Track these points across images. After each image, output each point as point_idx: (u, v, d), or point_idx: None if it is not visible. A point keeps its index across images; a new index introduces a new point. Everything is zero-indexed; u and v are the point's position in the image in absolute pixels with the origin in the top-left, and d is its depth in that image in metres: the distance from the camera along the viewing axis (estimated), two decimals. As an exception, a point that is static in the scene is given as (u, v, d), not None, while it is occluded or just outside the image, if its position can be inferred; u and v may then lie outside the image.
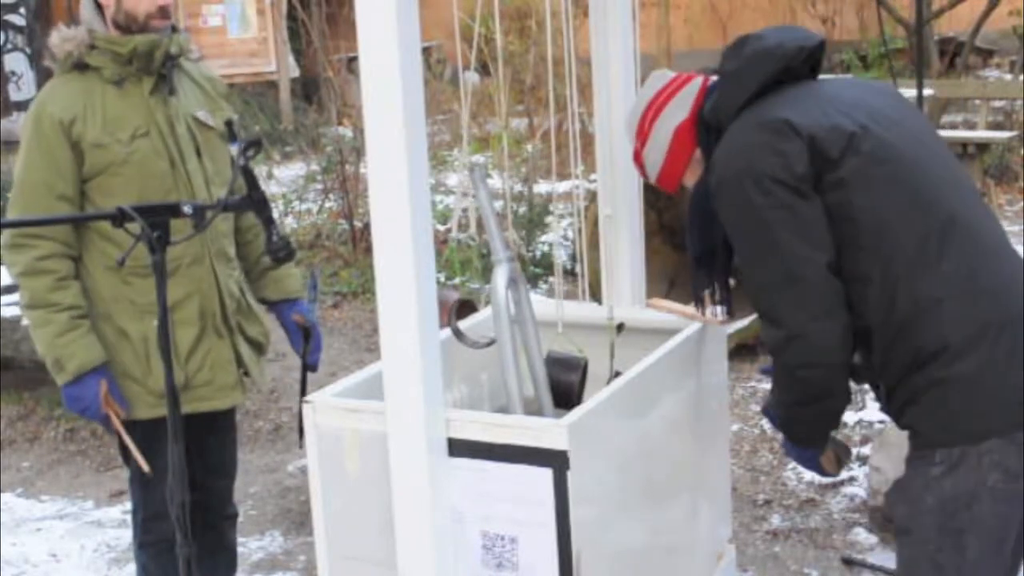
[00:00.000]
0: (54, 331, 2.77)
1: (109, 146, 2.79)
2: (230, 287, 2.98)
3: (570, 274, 6.29)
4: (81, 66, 2.82)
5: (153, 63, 2.83)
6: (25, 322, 5.44)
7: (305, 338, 3.10)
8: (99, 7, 2.85)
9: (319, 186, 8.73)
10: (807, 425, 2.31)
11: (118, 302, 2.85)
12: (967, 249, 2.14)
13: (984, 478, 2.12)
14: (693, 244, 2.49)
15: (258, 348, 3.09)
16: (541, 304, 2.78)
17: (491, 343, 2.65)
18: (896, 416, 2.25)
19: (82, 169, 2.80)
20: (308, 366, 3.11)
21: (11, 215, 2.80)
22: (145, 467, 2.85)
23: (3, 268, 6.12)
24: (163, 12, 2.82)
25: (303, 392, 3.10)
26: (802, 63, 2.31)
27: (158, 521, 2.90)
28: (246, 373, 3.04)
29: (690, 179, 2.44)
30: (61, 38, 2.82)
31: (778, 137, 2.14)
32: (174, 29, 2.91)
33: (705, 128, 2.38)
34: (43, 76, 16.28)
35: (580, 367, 2.71)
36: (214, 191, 2.87)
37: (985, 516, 2.14)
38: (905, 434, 2.30)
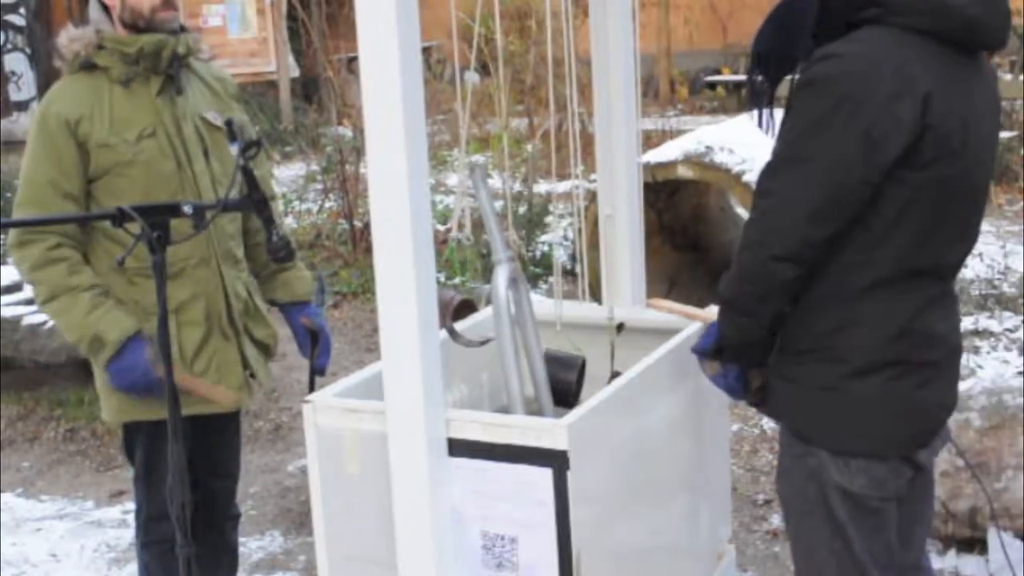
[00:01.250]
0: (82, 311, 2.74)
1: (115, 146, 2.78)
2: (237, 289, 2.97)
3: (570, 274, 6.30)
4: (89, 66, 2.82)
5: (160, 63, 2.82)
6: (25, 322, 5.47)
7: (313, 341, 3.09)
8: (105, 7, 2.85)
9: (319, 186, 8.73)
10: (733, 330, 2.27)
11: (123, 303, 2.83)
12: (922, 296, 2.15)
13: (852, 481, 2.18)
14: (763, 38, 2.27)
15: (265, 350, 3.08)
16: (540, 304, 2.78)
17: (485, 342, 2.65)
18: (779, 377, 2.26)
19: (88, 169, 2.79)
20: (316, 369, 3.10)
21: (17, 213, 2.79)
22: (226, 397, 2.87)
23: (4, 268, 6.13)
24: (168, 3, 2.81)
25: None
26: (975, 39, 2.13)
27: (161, 521, 2.89)
28: (252, 375, 3.02)
29: None
30: (69, 38, 2.82)
31: (907, 101, 2.00)
32: (183, 29, 2.90)
33: None
34: (43, 76, 16.28)
35: (577, 366, 2.71)
36: (221, 192, 2.85)
37: (861, 516, 2.20)
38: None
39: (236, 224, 3.01)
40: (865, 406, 2.16)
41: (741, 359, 2.33)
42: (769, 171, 2.13)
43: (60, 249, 2.76)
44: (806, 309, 2.18)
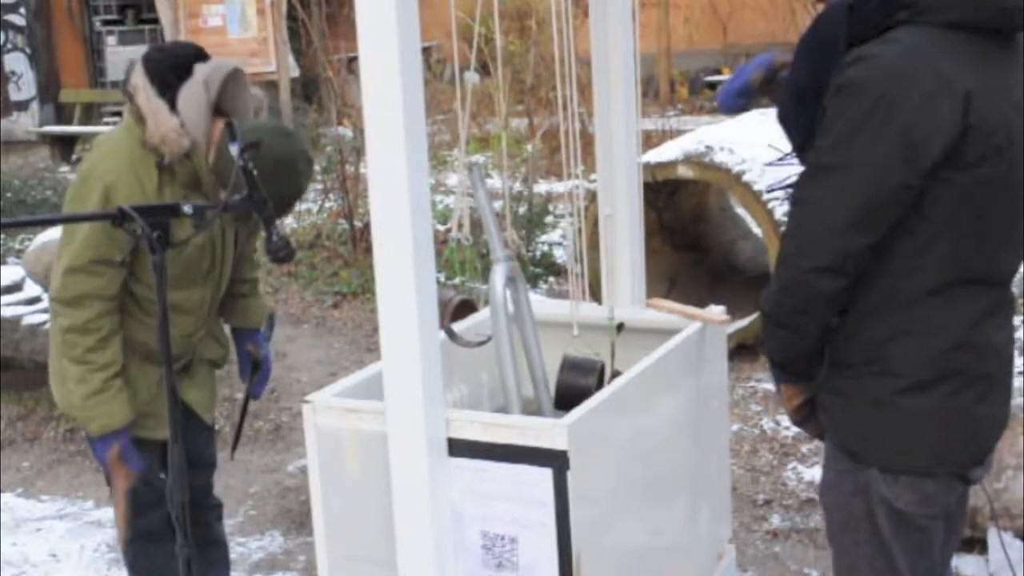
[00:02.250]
0: (86, 391, 2.81)
1: None
2: (208, 334, 3.09)
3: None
4: (161, 162, 2.77)
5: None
6: (25, 322, 5.48)
7: (254, 368, 3.21)
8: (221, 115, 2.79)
9: (319, 186, 8.73)
10: (775, 344, 2.22)
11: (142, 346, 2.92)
12: (978, 305, 2.08)
13: (899, 498, 2.12)
14: (799, 69, 2.23)
15: (214, 365, 3.18)
16: (553, 306, 2.78)
17: (484, 342, 2.65)
18: (828, 392, 2.20)
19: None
20: (251, 395, 3.25)
21: (68, 277, 2.77)
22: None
23: (4, 268, 6.13)
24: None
25: (242, 418, 3.30)
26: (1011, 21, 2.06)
27: (139, 517, 2.95)
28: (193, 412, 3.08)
29: None
30: (162, 137, 2.72)
31: (946, 100, 1.95)
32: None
33: None
34: (43, 76, 16.31)
35: (596, 370, 2.70)
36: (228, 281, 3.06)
37: (906, 533, 2.15)
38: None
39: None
40: (919, 422, 2.08)
41: (786, 374, 2.24)
42: (805, 180, 2.07)
43: (98, 320, 2.79)
44: (855, 320, 2.11)
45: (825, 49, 2.11)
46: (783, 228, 6.12)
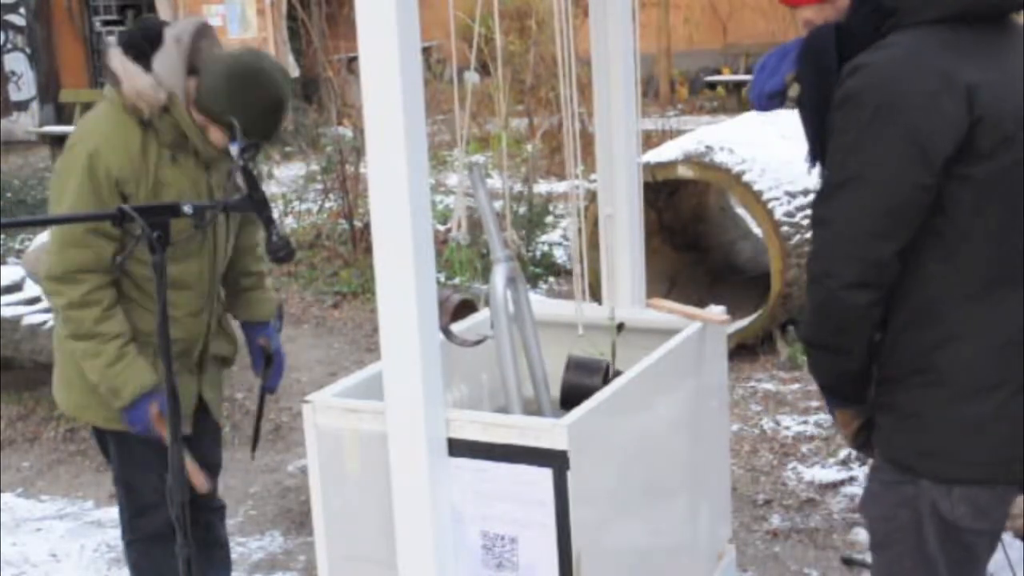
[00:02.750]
0: (105, 361, 2.79)
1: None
2: (212, 324, 3.04)
3: (570, 274, 6.29)
4: (144, 122, 2.79)
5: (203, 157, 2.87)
6: (25, 322, 5.47)
7: (267, 362, 3.16)
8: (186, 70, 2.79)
9: (319, 186, 8.73)
10: (821, 368, 2.19)
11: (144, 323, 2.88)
12: (1020, 305, 2.04)
13: (952, 510, 2.09)
14: (807, 90, 2.21)
15: (224, 362, 3.14)
16: (553, 306, 2.78)
17: (480, 341, 2.65)
18: (878, 409, 2.18)
19: None
20: (267, 389, 3.19)
21: (60, 253, 2.77)
22: (204, 487, 2.91)
23: (4, 268, 6.13)
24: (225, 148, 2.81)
25: (260, 414, 3.24)
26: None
27: (143, 517, 2.95)
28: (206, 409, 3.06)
29: (817, 14, 2.18)
30: (137, 92, 2.75)
31: (949, 96, 1.93)
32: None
33: None
34: (43, 76, 16.31)
35: (601, 370, 2.70)
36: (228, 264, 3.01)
37: (952, 548, 2.12)
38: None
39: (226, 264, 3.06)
40: (976, 430, 2.05)
41: (838, 399, 2.22)
42: (821, 199, 2.06)
43: (96, 293, 2.78)
44: (897, 333, 2.08)
45: (815, 70, 2.12)
46: (783, 228, 6.15)
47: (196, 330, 2.98)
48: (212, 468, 3.16)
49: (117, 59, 2.79)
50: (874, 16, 2.05)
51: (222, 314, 3.12)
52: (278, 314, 3.19)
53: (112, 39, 3.00)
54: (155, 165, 2.80)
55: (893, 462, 2.15)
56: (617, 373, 2.67)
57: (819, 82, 2.12)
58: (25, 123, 15.64)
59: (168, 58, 2.77)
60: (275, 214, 2.90)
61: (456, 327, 2.73)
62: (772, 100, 2.37)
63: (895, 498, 2.14)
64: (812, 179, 6.39)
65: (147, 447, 2.88)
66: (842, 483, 4.29)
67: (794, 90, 2.26)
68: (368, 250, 6.40)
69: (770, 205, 5.49)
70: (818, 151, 2.18)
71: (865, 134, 1.97)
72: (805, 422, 4.93)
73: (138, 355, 2.82)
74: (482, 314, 2.92)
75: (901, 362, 2.10)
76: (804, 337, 2.17)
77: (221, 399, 3.17)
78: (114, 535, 4.30)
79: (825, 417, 4.95)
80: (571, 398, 2.63)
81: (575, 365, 2.70)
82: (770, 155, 5.81)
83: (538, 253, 7.43)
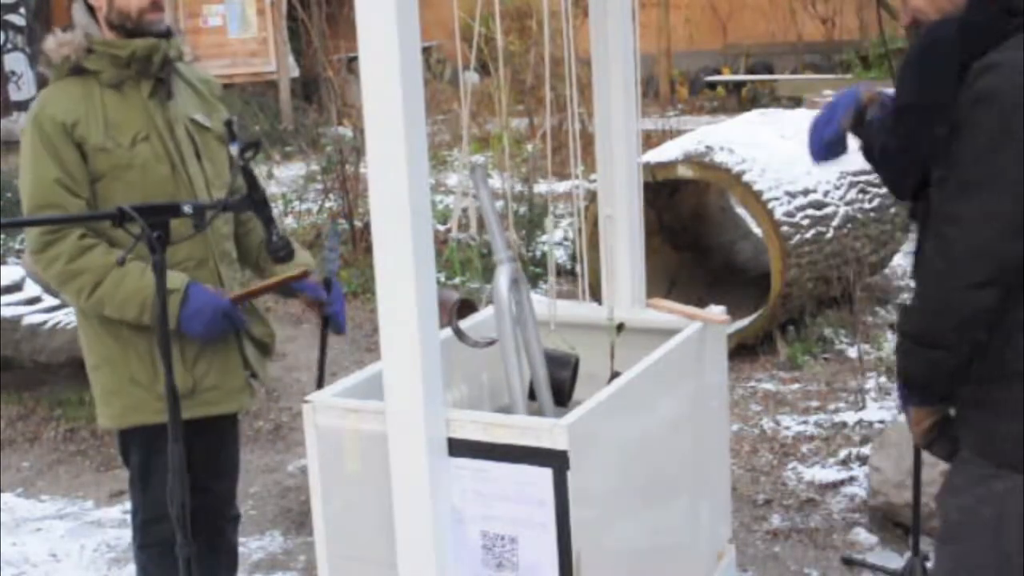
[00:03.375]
0: (136, 278, 2.72)
1: (112, 150, 2.77)
2: (234, 289, 2.96)
3: (570, 274, 6.30)
4: (79, 70, 2.80)
5: (152, 66, 2.81)
6: (25, 322, 5.47)
7: (327, 288, 2.97)
8: (91, 10, 2.83)
9: (319, 186, 8.73)
10: (921, 367, 2.14)
11: None
12: None
13: None
14: (906, 91, 2.14)
15: (263, 349, 3.07)
16: (536, 303, 2.78)
17: (492, 343, 2.65)
18: (975, 405, 2.15)
19: (88, 171, 2.78)
20: (331, 320, 3.02)
21: (27, 215, 2.77)
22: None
23: (3, 268, 6.13)
24: (156, 5, 2.80)
25: (323, 351, 3.14)
26: None
27: (158, 523, 2.89)
28: (253, 375, 3.01)
29: (929, 4, 2.14)
30: (57, 43, 2.80)
31: None
32: (170, 33, 2.88)
33: None
34: (41, 77, 16.33)
35: (572, 364, 2.71)
36: (214, 193, 2.86)
37: None
38: (905, 434, 2.28)
39: (230, 225, 3.00)
40: None
41: (921, 396, 2.20)
42: (952, 196, 2.02)
43: (87, 238, 2.75)
44: (1006, 331, 2.05)
45: (934, 67, 2.07)
46: (783, 228, 6.14)
47: (208, 282, 2.88)
48: (231, 470, 3.15)
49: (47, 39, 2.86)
50: (1000, 15, 2.02)
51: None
52: (333, 236, 3.05)
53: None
54: (101, 104, 2.78)
55: (990, 456, 2.12)
56: (617, 373, 2.67)
57: (930, 84, 2.07)
58: (25, 123, 15.63)
59: (76, 7, 2.83)
60: (275, 214, 2.86)
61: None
62: (832, 148, 2.35)
63: (981, 493, 2.12)
64: (812, 179, 6.45)
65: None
66: (842, 483, 4.29)
67: (871, 106, 2.21)
68: (368, 250, 6.40)
69: (770, 205, 5.49)
70: (919, 157, 2.12)
71: (1001, 134, 1.95)
72: (805, 422, 4.93)
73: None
74: (482, 314, 2.92)
75: (1005, 361, 2.07)
76: (912, 332, 2.11)
77: (267, 380, 3.09)
78: (114, 535, 4.30)
79: (825, 417, 4.95)
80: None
81: (545, 359, 2.70)
82: (770, 155, 5.81)
83: (538, 253, 7.43)
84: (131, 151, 2.78)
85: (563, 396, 2.66)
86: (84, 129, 2.76)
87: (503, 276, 2.53)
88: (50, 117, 2.77)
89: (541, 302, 2.89)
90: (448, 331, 2.64)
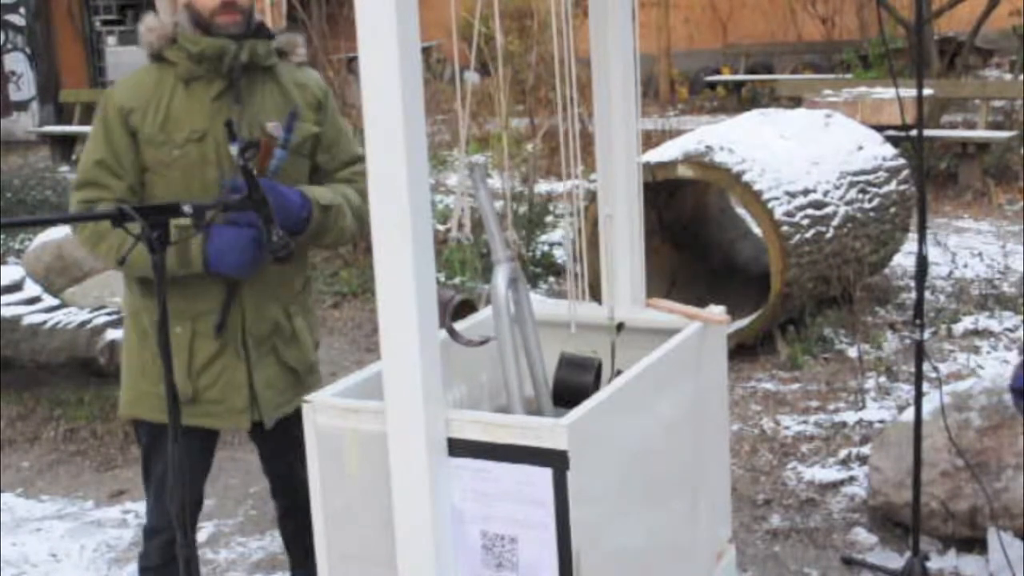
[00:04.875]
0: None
1: (162, 144, 2.75)
2: (264, 308, 2.85)
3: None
4: (159, 58, 2.78)
5: (222, 67, 2.76)
6: (25, 322, 5.47)
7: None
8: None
9: (319, 186, 8.72)
10: None
11: (148, 303, 2.80)
12: None
13: None
14: None
15: (292, 373, 2.92)
16: (549, 305, 2.78)
17: (485, 341, 2.65)
18: None
19: (139, 159, 2.76)
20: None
21: (74, 195, 2.78)
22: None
23: (3, 268, 6.12)
24: (226, 8, 2.75)
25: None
26: None
27: (156, 535, 2.89)
28: (254, 400, 2.87)
29: None
30: (147, 27, 2.78)
31: None
32: (260, 33, 2.83)
33: None
34: (43, 76, 16.32)
35: (594, 368, 2.70)
36: None
37: None
38: (905, 434, 2.28)
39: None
40: None
41: None
42: None
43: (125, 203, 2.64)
44: None
45: None
46: (783, 228, 6.14)
47: (218, 297, 2.79)
48: (288, 489, 3.03)
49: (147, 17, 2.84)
50: None
51: (289, 314, 2.90)
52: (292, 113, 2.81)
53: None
54: (168, 97, 2.76)
55: None
56: (617, 373, 2.67)
57: None
58: (25, 123, 15.63)
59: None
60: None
61: (457, 327, 2.73)
62: None
63: None
64: (812, 179, 6.46)
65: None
66: (842, 483, 4.29)
67: None
68: (368, 250, 6.41)
69: (770, 205, 5.49)
70: None
71: None
72: (805, 422, 4.93)
73: None
74: (482, 314, 2.92)
75: None
76: None
77: (282, 404, 2.88)
78: (114, 535, 4.30)
79: (825, 417, 4.95)
80: (564, 396, 2.64)
81: (567, 363, 2.70)
82: (770, 155, 5.81)
83: (538, 253, 7.43)
84: (180, 149, 2.75)
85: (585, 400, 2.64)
86: (140, 118, 2.74)
87: (501, 276, 2.53)
88: (115, 103, 2.75)
89: (556, 304, 2.88)
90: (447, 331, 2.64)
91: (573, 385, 2.65)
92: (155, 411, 2.83)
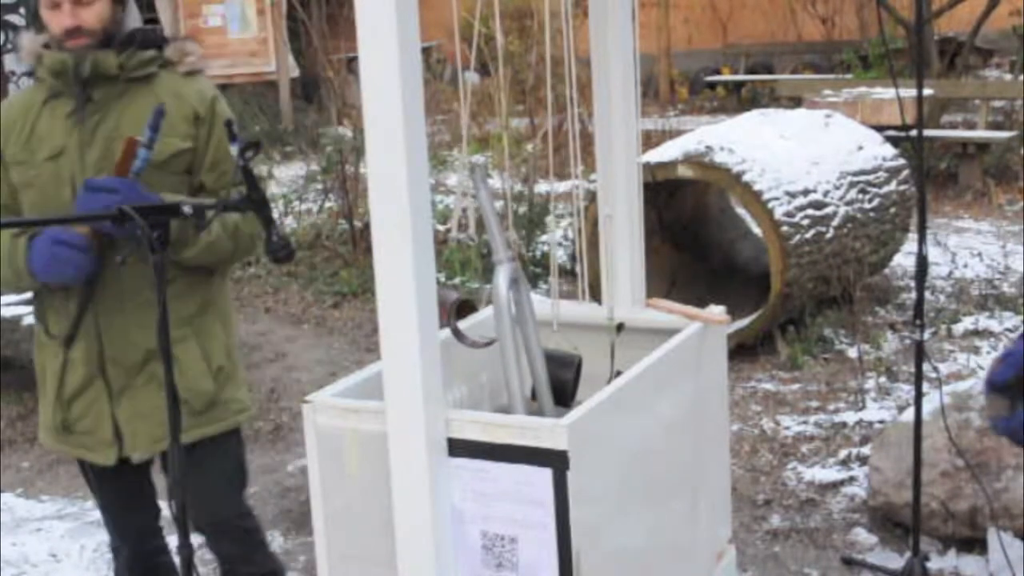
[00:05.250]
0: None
1: (22, 164, 2.67)
2: (131, 334, 2.67)
3: (570, 274, 6.30)
4: (34, 76, 2.73)
5: (68, 83, 2.64)
6: (25, 322, 5.47)
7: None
8: None
9: (319, 186, 8.74)
10: None
11: (40, 312, 2.79)
12: None
13: None
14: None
15: (183, 404, 2.48)
16: (537, 304, 2.78)
17: (491, 343, 2.65)
18: None
19: (7, 179, 2.70)
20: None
21: None
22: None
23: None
24: (70, 35, 2.63)
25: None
26: None
27: (119, 552, 2.91)
28: (117, 434, 2.73)
29: None
30: (20, 45, 2.74)
31: None
32: (143, 43, 2.68)
33: None
34: (43, 76, 16.34)
35: (574, 364, 2.71)
36: None
37: None
38: (905, 434, 2.28)
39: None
40: None
41: None
42: None
43: None
44: None
45: None
46: (783, 228, 6.14)
47: (87, 322, 2.65)
48: (207, 523, 2.84)
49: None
50: None
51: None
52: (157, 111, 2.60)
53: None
54: (36, 115, 2.68)
55: None
56: (618, 373, 2.67)
57: None
58: (25, 123, 15.64)
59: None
60: (275, 214, 2.83)
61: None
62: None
63: None
64: (812, 179, 6.47)
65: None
66: (842, 483, 4.29)
67: None
68: (368, 250, 6.41)
69: (770, 205, 5.49)
70: None
71: None
72: (805, 422, 4.93)
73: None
74: (482, 314, 2.92)
75: None
76: None
77: (161, 437, 2.63)
78: (114, 535, 4.31)
79: (825, 417, 4.95)
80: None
81: (548, 359, 2.70)
82: (770, 155, 5.81)
83: (538, 253, 7.44)
84: (37, 169, 2.66)
85: (566, 397, 2.66)
86: (6, 138, 2.68)
87: (502, 276, 2.53)
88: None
89: (543, 302, 2.89)
90: (448, 331, 2.64)
91: (554, 381, 2.65)
92: (48, 437, 2.86)
